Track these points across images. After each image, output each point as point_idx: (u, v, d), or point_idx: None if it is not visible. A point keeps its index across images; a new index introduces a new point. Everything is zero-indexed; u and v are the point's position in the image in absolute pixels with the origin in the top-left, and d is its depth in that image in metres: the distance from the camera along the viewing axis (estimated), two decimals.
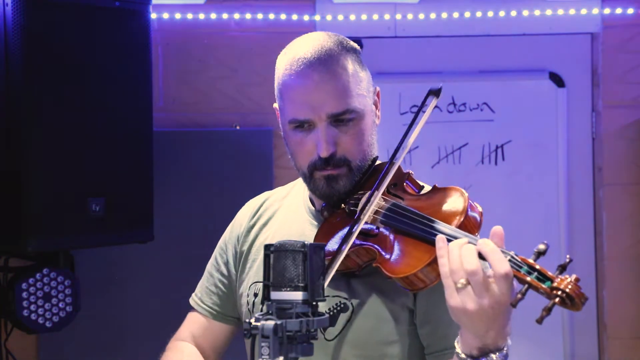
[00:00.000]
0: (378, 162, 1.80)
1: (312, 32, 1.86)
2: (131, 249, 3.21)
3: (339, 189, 1.72)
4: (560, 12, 3.78)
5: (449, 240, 1.48)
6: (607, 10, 3.78)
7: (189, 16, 3.72)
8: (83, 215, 2.89)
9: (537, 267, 1.40)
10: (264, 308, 1.41)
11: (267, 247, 1.43)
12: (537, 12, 3.79)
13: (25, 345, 3.48)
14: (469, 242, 1.46)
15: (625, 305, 3.76)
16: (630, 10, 3.78)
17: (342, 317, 1.69)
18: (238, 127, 3.69)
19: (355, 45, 1.79)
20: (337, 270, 1.64)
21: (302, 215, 1.85)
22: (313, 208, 1.84)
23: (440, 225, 1.54)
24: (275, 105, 1.82)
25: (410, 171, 1.76)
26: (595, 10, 3.78)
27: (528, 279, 1.38)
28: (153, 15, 3.16)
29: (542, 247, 1.41)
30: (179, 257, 3.52)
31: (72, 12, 2.85)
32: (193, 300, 2.02)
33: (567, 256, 1.40)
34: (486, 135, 3.82)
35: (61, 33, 2.83)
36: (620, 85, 3.78)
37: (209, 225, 3.63)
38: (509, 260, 1.41)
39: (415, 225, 1.57)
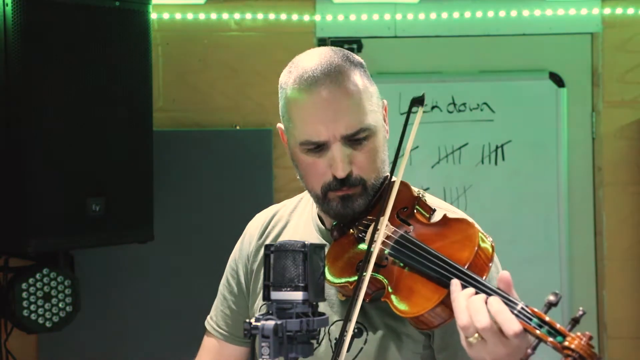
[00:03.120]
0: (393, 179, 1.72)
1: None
2: (131, 249, 3.21)
3: (355, 208, 1.66)
4: (560, 12, 3.78)
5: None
6: (607, 10, 3.78)
7: (189, 16, 3.72)
8: (83, 215, 2.89)
9: (547, 319, 1.36)
10: (264, 308, 1.41)
11: (267, 247, 1.42)
12: (537, 12, 3.79)
13: (25, 345, 3.48)
14: (477, 293, 1.41)
15: (625, 305, 3.76)
16: (630, 10, 3.78)
17: (357, 342, 1.67)
18: (238, 127, 3.69)
19: (360, 59, 1.72)
20: (347, 298, 1.61)
21: (311, 233, 1.80)
22: (322, 226, 1.79)
23: (450, 267, 1.48)
24: (280, 125, 1.73)
25: (422, 193, 1.68)
26: (595, 10, 3.78)
27: (538, 332, 1.34)
28: (153, 15, 3.16)
29: (552, 298, 1.35)
30: (179, 257, 3.52)
31: (72, 12, 2.85)
32: (209, 323, 1.96)
33: (580, 308, 1.35)
34: (486, 135, 3.82)
35: (61, 33, 2.83)
36: (620, 85, 3.78)
37: (209, 225, 3.65)
38: (519, 312, 1.37)
39: (424, 263, 1.52)
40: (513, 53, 3.82)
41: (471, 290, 1.42)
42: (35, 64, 2.79)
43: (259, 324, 1.34)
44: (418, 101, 1.61)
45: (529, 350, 1.34)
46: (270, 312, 1.38)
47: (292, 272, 1.38)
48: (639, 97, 3.79)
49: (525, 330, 1.36)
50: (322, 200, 1.68)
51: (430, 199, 1.72)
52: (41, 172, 2.81)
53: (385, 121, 1.74)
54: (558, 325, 1.35)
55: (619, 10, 3.77)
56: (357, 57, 1.72)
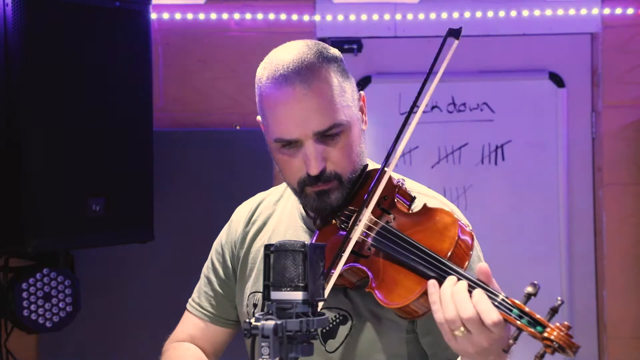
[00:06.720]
0: (371, 166, 1.75)
1: (295, 39, 1.78)
2: (131, 249, 3.21)
3: (331, 202, 1.68)
4: (560, 12, 3.78)
5: (439, 274, 1.48)
6: (607, 10, 3.78)
7: (189, 16, 3.72)
8: (83, 215, 2.90)
9: (527, 310, 1.39)
10: (265, 308, 1.41)
11: (267, 247, 1.42)
12: (537, 12, 3.79)
13: (25, 345, 3.48)
14: (460, 285, 1.44)
15: (625, 305, 3.76)
16: (630, 10, 3.78)
17: (343, 329, 1.69)
18: (238, 127, 3.69)
19: (336, 52, 1.72)
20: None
21: (295, 222, 1.83)
22: (306, 215, 1.81)
23: (432, 259, 1.51)
24: (259, 118, 1.75)
25: (402, 181, 1.70)
26: (595, 10, 3.78)
27: (519, 323, 1.38)
28: (153, 15, 3.16)
29: (530, 289, 1.39)
30: (179, 257, 3.52)
31: (72, 12, 2.85)
32: (191, 305, 1.99)
33: (559, 298, 1.38)
34: (486, 135, 3.82)
35: (61, 33, 2.83)
36: (620, 85, 3.78)
37: (209, 225, 3.62)
38: (499, 303, 1.40)
39: (407, 255, 1.54)
40: (513, 53, 3.82)
41: (453, 278, 1.45)
42: (35, 63, 2.79)
43: (259, 324, 1.34)
44: (454, 33, 1.65)
45: (511, 341, 1.38)
46: (270, 312, 1.38)
47: (292, 272, 1.38)
48: (639, 97, 3.79)
49: (506, 321, 1.39)
50: (299, 194, 1.71)
51: (410, 185, 1.74)
52: (41, 172, 2.81)
53: (363, 112, 1.75)
54: (537, 316, 1.38)
55: (618, 11, 3.78)
56: (332, 51, 1.71)
